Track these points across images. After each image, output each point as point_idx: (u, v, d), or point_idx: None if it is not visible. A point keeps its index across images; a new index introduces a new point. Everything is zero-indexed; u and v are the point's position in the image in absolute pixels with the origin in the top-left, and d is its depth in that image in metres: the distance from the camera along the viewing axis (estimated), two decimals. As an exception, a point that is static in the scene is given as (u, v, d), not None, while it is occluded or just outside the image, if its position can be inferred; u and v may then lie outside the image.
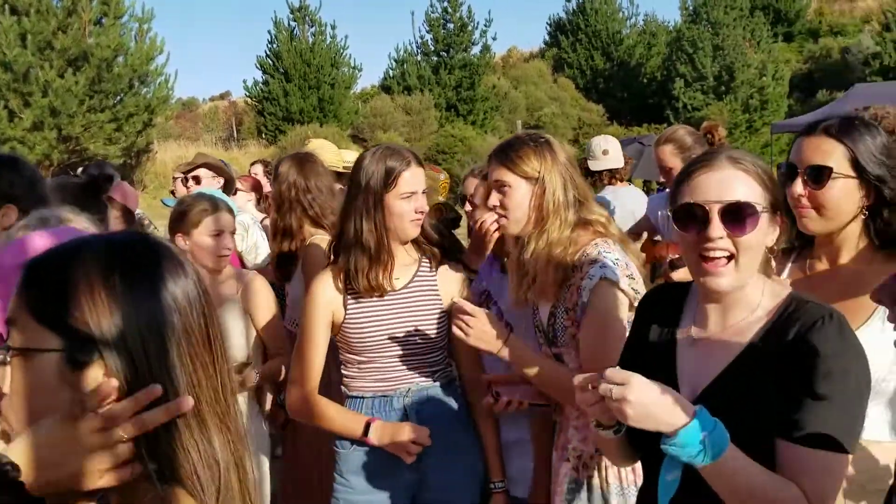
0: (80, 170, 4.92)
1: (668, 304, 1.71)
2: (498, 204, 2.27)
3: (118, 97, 19.02)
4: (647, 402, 1.38)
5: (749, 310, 1.56)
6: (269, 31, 28.34)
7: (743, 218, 1.49)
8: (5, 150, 16.05)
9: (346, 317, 2.46)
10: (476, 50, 30.73)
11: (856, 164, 1.90)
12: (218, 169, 4.78)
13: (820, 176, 1.92)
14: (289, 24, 28.34)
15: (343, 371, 2.57)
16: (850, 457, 1.47)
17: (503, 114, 30.22)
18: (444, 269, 2.58)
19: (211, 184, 4.64)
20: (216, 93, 46.39)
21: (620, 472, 2.20)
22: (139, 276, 0.94)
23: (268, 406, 3.39)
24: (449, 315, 2.42)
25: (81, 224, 1.79)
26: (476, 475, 2.54)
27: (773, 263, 1.70)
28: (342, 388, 2.58)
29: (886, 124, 2.19)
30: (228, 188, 4.74)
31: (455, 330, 2.19)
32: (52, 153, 17.66)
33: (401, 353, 2.47)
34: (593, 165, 4.98)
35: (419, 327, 2.47)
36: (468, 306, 2.17)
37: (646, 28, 35.58)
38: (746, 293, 1.56)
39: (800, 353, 1.45)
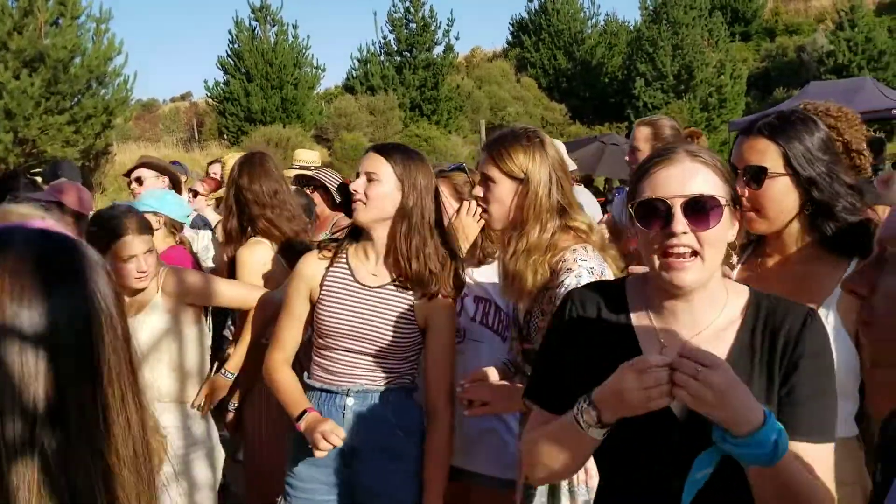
0: (50, 169, 4.83)
1: (607, 297, 1.64)
2: (481, 196, 2.28)
3: (76, 99, 18.64)
4: (730, 390, 1.31)
5: (717, 308, 1.53)
6: (229, 31, 27.99)
7: (706, 212, 1.45)
8: (-41, 154, 15.72)
9: (321, 296, 2.49)
10: (439, 50, 30.77)
11: (790, 162, 1.91)
12: (161, 168, 4.74)
13: (757, 176, 1.93)
14: (250, 24, 28.03)
15: (312, 356, 2.59)
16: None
17: (467, 113, 30.28)
18: None
19: (155, 184, 4.60)
20: (177, 94, 45.76)
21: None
22: (27, 280, 0.86)
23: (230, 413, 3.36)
24: (421, 329, 2.46)
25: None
26: (413, 485, 2.49)
27: (734, 259, 1.67)
28: (305, 374, 2.60)
29: (829, 121, 2.24)
30: (176, 187, 4.69)
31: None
32: (7, 156, 17.26)
33: (356, 349, 2.47)
34: None
35: (381, 330, 2.45)
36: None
37: (607, 28, 35.87)
38: (712, 290, 1.52)
39: (795, 351, 1.45)
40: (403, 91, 29.49)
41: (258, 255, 3.23)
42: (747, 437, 1.31)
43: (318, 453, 2.31)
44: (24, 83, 17.10)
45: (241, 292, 3.10)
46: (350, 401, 2.46)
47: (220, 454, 3.19)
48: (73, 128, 18.33)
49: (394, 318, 2.47)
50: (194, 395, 3.07)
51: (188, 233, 4.32)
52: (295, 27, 28.60)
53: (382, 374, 2.49)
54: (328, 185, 4.58)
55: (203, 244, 4.61)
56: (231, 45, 28.07)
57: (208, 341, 3.22)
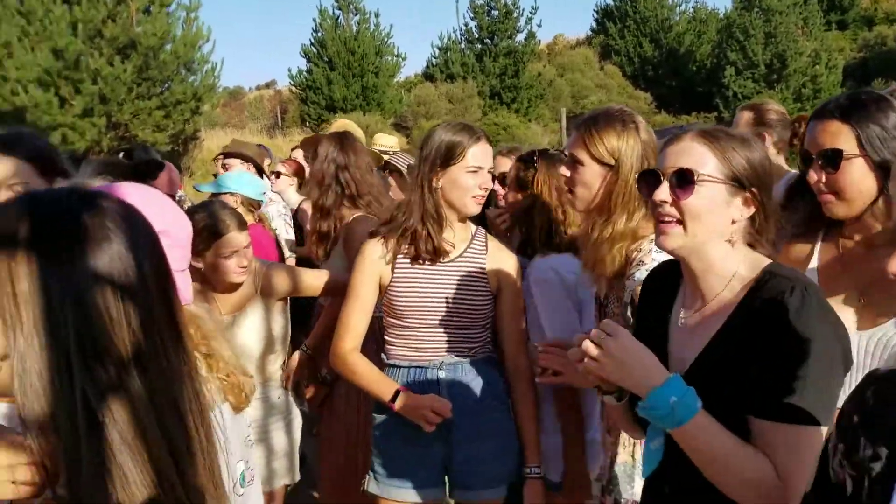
0: (121, 154, 5.01)
1: (662, 290, 1.73)
2: (567, 176, 2.20)
3: (165, 84, 19.22)
4: (625, 358, 1.45)
5: (723, 280, 1.57)
6: (313, 20, 28.48)
7: (684, 184, 1.54)
8: (56, 137, 16.40)
9: (393, 279, 2.49)
10: (521, 37, 30.46)
11: (863, 144, 1.82)
12: (246, 157, 4.93)
13: (832, 160, 1.85)
14: (333, 13, 28.41)
15: (385, 337, 2.60)
16: (824, 430, 1.42)
17: (548, 102, 29.93)
18: (496, 250, 2.58)
19: (240, 169, 4.78)
20: (262, 82, 46.84)
21: (636, 451, 2.17)
22: (61, 237, 0.91)
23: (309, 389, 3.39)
24: (494, 295, 2.49)
25: None
26: (509, 456, 2.51)
27: (770, 236, 1.64)
28: (382, 355, 2.60)
29: None
30: (259, 174, 4.88)
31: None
32: (101, 140, 17.93)
33: (440, 324, 2.48)
34: None
35: (462, 301, 2.48)
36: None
37: (696, 15, 34.85)
38: (715, 263, 1.57)
39: (763, 326, 1.46)
40: (483, 79, 29.35)
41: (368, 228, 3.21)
42: (645, 399, 1.45)
43: (427, 427, 2.35)
44: (117, 69, 17.70)
45: (327, 280, 3.17)
46: (442, 374, 2.48)
47: (299, 423, 3.29)
48: (163, 113, 18.91)
49: (472, 287, 2.49)
50: (276, 365, 3.17)
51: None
52: (377, 16, 28.86)
53: (468, 345, 2.50)
54: (403, 168, 4.60)
55: (277, 226, 4.71)
56: (314, 34, 28.52)
57: (287, 322, 3.30)
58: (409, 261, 2.50)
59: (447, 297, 2.47)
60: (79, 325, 0.89)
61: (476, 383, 2.49)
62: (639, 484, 2.14)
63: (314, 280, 3.15)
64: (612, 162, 2.10)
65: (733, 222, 1.56)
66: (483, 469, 2.48)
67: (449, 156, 2.42)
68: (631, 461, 2.17)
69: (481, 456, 2.47)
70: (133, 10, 18.06)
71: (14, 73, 17.04)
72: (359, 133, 4.59)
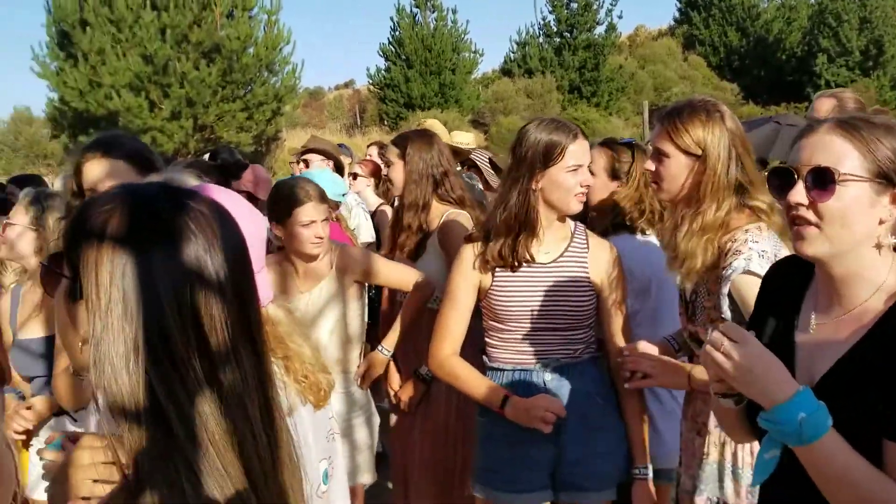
0: (206, 155, 5.12)
1: (787, 291, 1.60)
2: (653, 170, 2.20)
3: (248, 87, 19.68)
4: (753, 366, 1.35)
5: (868, 288, 1.43)
6: (391, 19, 28.78)
7: (823, 185, 1.39)
8: (147, 140, 16.97)
9: (493, 284, 2.46)
10: (601, 29, 29.95)
11: None
12: (327, 153, 4.92)
13: None
14: (411, 11, 28.58)
15: (486, 339, 2.59)
16: None
17: (629, 95, 29.33)
18: (597, 247, 2.54)
19: (320, 166, 4.74)
20: (341, 81, 47.55)
21: (738, 451, 2.14)
22: (133, 235, 0.94)
23: (396, 383, 3.36)
24: (597, 293, 2.46)
25: None
26: (618, 457, 2.48)
27: None
28: (483, 358, 2.58)
29: None
30: (339, 172, 4.83)
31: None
32: (188, 142, 18.51)
33: (544, 326, 2.44)
34: None
35: (565, 302, 2.44)
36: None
37: (785, 2, 33.47)
38: (859, 269, 1.42)
39: None
40: (562, 73, 28.99)
41: (465, 224, 3.23)
42: (771, 412, 1.34)
43: (545, 428, 2.32)
44: (202, 73, 18.24)
45: (403, 274, 3.18)
46: (548, 376, 2.45)
47: (377, 420, 3.33)
48: (247, 114, 19.39)
49: (574, 288, 2.45)
50: (355, 363, 3.23)
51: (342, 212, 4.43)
52: (454, 12, 28.90)
53: (573, 346, 2.47)
54: (481, 164, 4.54)
55: (354, 222, 4.70)
56: (392, 33, 28.80)
57: (364, 314, 3.35)
58: (508, 266, 2.45)
59: (550, 300, 2.43)
60: (151, 319, 0.91)
61: (583, 384, 2.46)
62: (729, 485, 2.15)
63: (390, 269, 3.18)
64: (699, 152, 2.09)
65: (881, 222, 1.41)
66: (594, 470, 2.45)
67: (548, 156, 2.35)
68: (724, 461, 2.16)
69: (592, 457, 2.44)
70: (217, 14, 18.56)
71: (107, 78, 17.75)
72: (445, 132, 4.62)
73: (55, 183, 7.21)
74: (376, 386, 3.49)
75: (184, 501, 0.89)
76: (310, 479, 1.18)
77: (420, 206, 3.27)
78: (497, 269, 2.46)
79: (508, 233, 2.41)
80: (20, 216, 2.85)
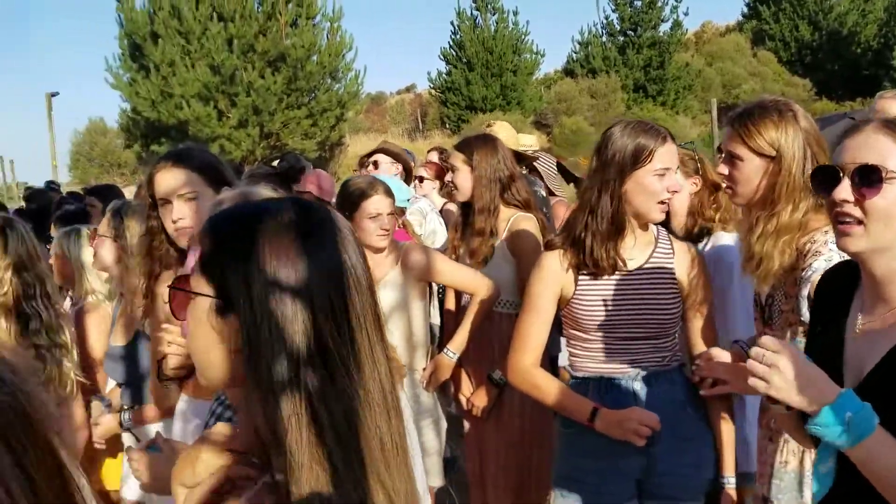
0: (276, 161, 5.19)
1: (839, 293, 1.63)
2: (726, 174, 2.17)
3: (312, 94, 20.00)
4: (794, 376, 1.38)
5: None
6: (451, 23, 28.74)
7: (870, 182, 1.44)
8: (215, 148, 17.37)
9: (577, 292, 2.40)
10: (666, 27, 29.29)
11: None
12: (396, 155, 4.91)
13: None
14: (471, 14, 28.55)
15: (569, 349, 2.55)
16: None
17: (696, 93, 28.66)
18: (682, 251, 2.48)
19: (389, 169, 4.76)
20: (402, 86, 47.79)
21: (805, 459, 2.10)
22: (282, 244, 0.99)
23: (468, 389, 3.35)
24: (682, 298, 2.43)
25: None
26: (707, 466, 2.44)
27: None
28: (565, 366, 2.53)
29: None
30: (407, 175, 4.87)
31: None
32: (255, 149, 18.90)
33: (631, 335, 2.39)
34: None
35: (653, 309, 2.39)
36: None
37: (860, -8, 32.22)
38: None
39: None
40: (626, 72, 28.51)
41: (532, 228, 3.25)
42: (817, 416, 1.36)
43: (639, 441, 2.27)
44: (268, 81, 18.61)
45: (467, 275, 3.19)
46: (637, 385, 2.39)
47: (444, 424, 3.36)
48: (311, 121, 19.69)
49: (661, 295, 2.41)
50: (421, 365, 3.25)
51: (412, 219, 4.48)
52: (515, 13, 28.72)
53: (661, 354, 2.42)
54: (544, 169, 4.46)
55: (430, 227, 4.68)
56: (453, 36, 28.81)
57: (428, 316, 3.37)
58: (591, 273, 2.38)
59: (637, 308, 2.37)
60: (306, 325, 0.96)
61: (672, 392, 2.40)
62: (808, 494, 2.09)
63: (453, 269, 3.21)
64: (773, 153, 2.07)
65: None
66: (684, 481, 2.40)
67: (635, 159, 2.28)
68: (804, 470, 2.11)
69: (682, 468, 2.39)
70: (282, 23, 18.88)
71: (178, 89, 18.27)
72: (514, 134, 4.59)
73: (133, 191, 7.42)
74: (443, 390, 3.52)
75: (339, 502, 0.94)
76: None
77: (490, 211, 3.28)
78: (580, 277, 2.39)
79: (600, 238, 2.33)
80: (104, 228, 2.96)
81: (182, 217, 2.24)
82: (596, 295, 2.38)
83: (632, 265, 2.38)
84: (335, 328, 0.98)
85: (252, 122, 18.94)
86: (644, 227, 2.42)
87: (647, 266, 2.39)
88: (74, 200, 6.72)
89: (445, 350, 3.24)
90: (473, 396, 3.27)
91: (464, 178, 3.31)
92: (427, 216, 4.73)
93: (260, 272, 0.97)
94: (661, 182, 2.29)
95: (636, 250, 2.39)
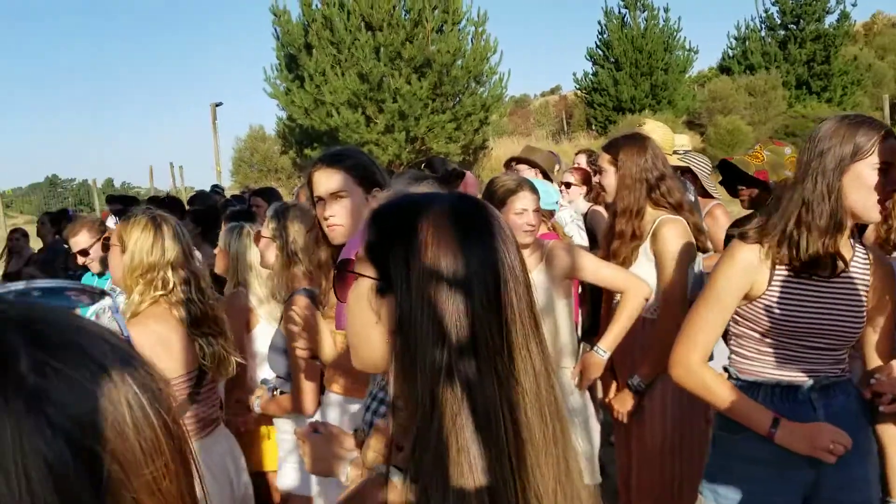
0: (422, 165, 5.29)
1: None
2: None
3: (457, 98, 20.20)
4: None
5: None
6: (598, 22, 28.23)
7: None
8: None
9: (768, 291, 2.22)
10: (832, 19, 27.33)
11: None
12: (532, 163, 4.97)
13: None
14: (619, 12, 27.88)
15: (732, 347, 2.39)
16: None
17: (866, 88, 26.57)
18: (877, 260, 2.32)
19: (527, 175, 4.67)
20: (546, 88, 47.49)
21: None
22: (444, 233, 1.01)
23: (612, 392, 3.34)
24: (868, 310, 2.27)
25: None
26: (876, 484, 2.31)
27: None
28: (728, 368, 2.38)
29: None
30: (546, 179, 4.82)
31: None
32: (401, 153, 19.31)
33: (814, 343, 2.23)
34: None
35: (845, 318, 2.21)
36: None
37: None
38: None
39: None
40: (788, 68, 26.86)
41: (678, 230, 3.17)
42: None
43: (830, 459, 2.14)
44: (414, 87, 18.97)
45: (614, 272, 3.15)
46: (815, 395, 2.25)
47: (596, 427, 3.35)
48: (455, 125, 19.90)
49: (853, 305, 2.23)
50: (567, 364, 3.25)
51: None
52: (666, 10, 27.74)
53: (840, 365, 2.29)
54: (697, 169, 4.28)
55: (571, 232, 4.67)
56: (600, 36, 28.25)
57: (573, 315, 3.37)
58: (790, 273, 2.21)
59: (830, 315, 2.20)
60: (462, 312, 0.98)
61: (849, 404, 2.28)
62: None
63: (599, 266, 3.16)
64: None
65: None
66: (854, 496, 2.27)
67: (856, 150, 2.10)
68: None
69: (854, 482, 2.25)
70: (428, 30, 19.19)
71: (328, 97, 18.98)
72: (667, 134, 4.45)
73: (293, 194, 8.00)
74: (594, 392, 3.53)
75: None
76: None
77: (633, 213, 3.20)
78: (775, 276, 2.22)
79: (817, 234, 2.14)
80: (266, 229, 3.14)
81: (333, 215, 2.40)
82: (790, 298, 2.21)
83: (836, 271, 2.22)
84: (490, 318, 0.99)
85: (398, 127, 19.37)
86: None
87: (844, 274, 2.21)
88: (237, 202, 7.27)
89: (596, 348, 3.19)
90: (615, 400, 3.24)
91: (610, 179, 3.26)
92: (566, 227, 4.70)
93: (420, 258, 1.00)
94: (882, 178, 2.09)
95: (846, 255, 2.22)
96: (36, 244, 8.59)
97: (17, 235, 8.57)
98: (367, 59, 18.96)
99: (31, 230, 8.88)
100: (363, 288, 1.07)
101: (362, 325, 1.07)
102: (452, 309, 0.98)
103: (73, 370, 0.53)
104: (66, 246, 5.41)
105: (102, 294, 0.91)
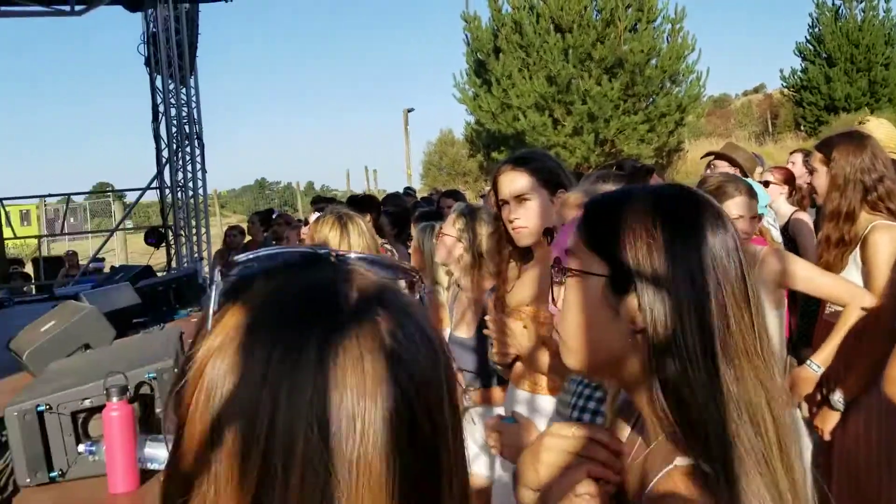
0: (613, 167, 5.17)
1: None
2: None
3: (650, 99, 19.62)
4: None
5: None
6: (809, 15, 26.31)
7: None
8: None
9: None
10: None
11: None
12: (731, 159, 4.77)
13: None
14: (833, 4, 25.78)
15: None
16: None
17: None
18: None
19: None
20: (749, 87, 44.95)
21: None
22: (681, 225, 0.99)
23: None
24: None
25: None
26: None
27: None
28: None
29: None
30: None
31: None
32: (590, 156, 18.99)
33: None
34: None
35: None
36: None
37: None
38: None
39: None
40: None
41: (892, 237, 3.01)
42: None
43: None
44: (604, 88, 18.60)
45: (832, 282, 2.98)
46: None
47: (808, 445, 3.14)
48: (648, 126, 19.32)
49: None
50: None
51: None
52: (887, 0, 25.23)
53: None
54: None
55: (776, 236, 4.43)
56: (811, 30, 26.35)
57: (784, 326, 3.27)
58: None
59: None
60: (718, 308, 0.94)
61: None
62: None
63: (813, 274, 2.98)
64: None
65: None
66: None
67: None
68: None
69: None
70: (621, 29, 18.74)
71: (515, 100, 19.07)
72: (892, 132, 4.20)
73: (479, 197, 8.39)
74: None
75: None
76: None
77: (842, 216, 3.09)
78: None
79: None
80: (450, 227, 3.21)
81: (517, 217, 2.42)
82: None
83: None
84: (742, 314, 0.95)
85: (587, 129, 19.07)
86: None
87: None
88: (426, 204, 7.69)
89: (809, 362, 3.06)
90: (818, 418, 3.08)
91: (821, 180, 3.14)
92: (767, 234, 4.41)
93: (662, 252, 0.96)
94: None
95: None
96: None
97: (234, 232, 9.36)
98: (555, 62, 18.83)
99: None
100: (590, 286, 1.02)
101: (592, 325, 1.02)
102: (709, 304, 0.94)
103: (414, 338, 0.59)
104: (273, 242, 5.95)
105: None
